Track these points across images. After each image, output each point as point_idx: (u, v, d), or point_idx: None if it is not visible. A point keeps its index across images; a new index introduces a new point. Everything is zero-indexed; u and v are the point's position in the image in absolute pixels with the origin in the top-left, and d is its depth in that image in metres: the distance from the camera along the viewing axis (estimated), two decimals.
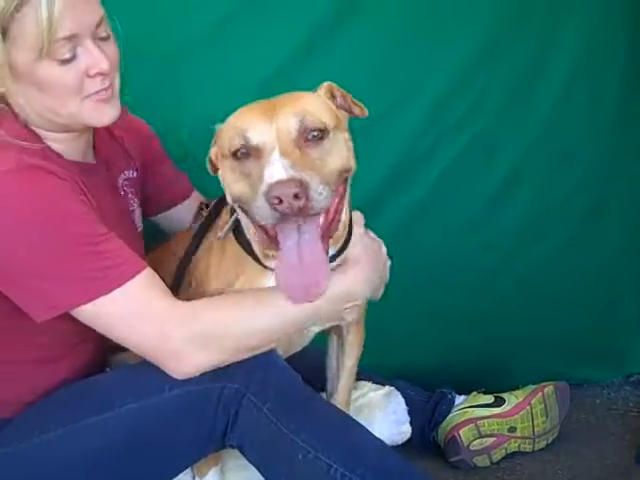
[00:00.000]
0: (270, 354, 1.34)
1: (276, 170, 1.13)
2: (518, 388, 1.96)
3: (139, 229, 1.57)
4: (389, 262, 1.46)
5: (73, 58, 1.25)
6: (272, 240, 1.23)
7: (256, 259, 1.36)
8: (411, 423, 1.89)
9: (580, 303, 2.15)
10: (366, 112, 1.33)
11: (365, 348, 1.61)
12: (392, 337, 1.67)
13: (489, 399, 1.92)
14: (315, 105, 1.26)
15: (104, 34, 1.29)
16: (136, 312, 1.26)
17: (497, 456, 1.89)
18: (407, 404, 1.90)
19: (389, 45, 1.87)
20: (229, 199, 1.29)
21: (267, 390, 1.29)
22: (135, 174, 1.57)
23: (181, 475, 1.41)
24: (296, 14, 1.82)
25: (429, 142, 1.96)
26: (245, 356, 1.30)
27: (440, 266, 1.85)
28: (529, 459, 1.92)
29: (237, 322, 1.29)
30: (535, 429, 1.90)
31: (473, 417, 1.88)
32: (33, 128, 1.32)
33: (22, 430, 1.34)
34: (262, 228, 1.24)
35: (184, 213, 1.68)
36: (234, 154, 1.22)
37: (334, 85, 1.33)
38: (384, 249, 1.45)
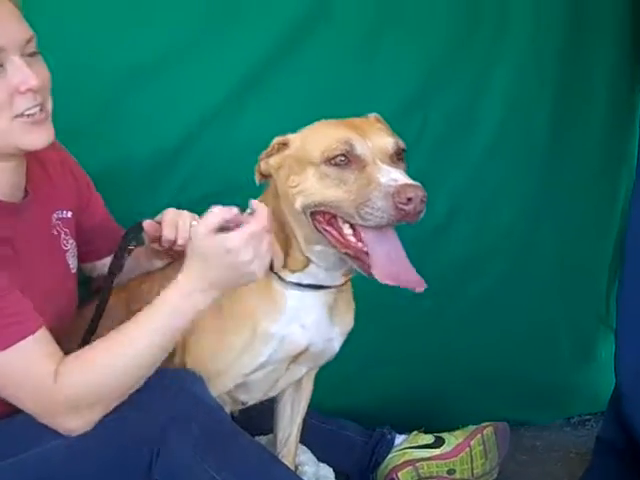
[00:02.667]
0: (197, 389, 1.32)
1: (397, 175, 1.20)
2: (459, 428, 1.95)
3: (73, 270, 1.50)
4: (246, 254, 1.21)
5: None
6: (347, 244, 1.25)
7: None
8: (351, 463, 1.89)
9: (517, 343, 2.18)
10: None
11: None
12: (333, 376, 1.66)
13: (429, 439, 1.91)
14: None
15: (32, 49, 1.27)
16: (23, 374, 1.21)
17: None
18: (347, 444, 1.90)
19: (327, 85, 1.89)
20: (304, 204, 1.27)
21: (192, 427, 1.27)
22: (69, 214, 1.51)
23: None
24: (237, 50, 1.83)
25: None
26: (131, 392, 1.26)
27: (379, 306, 1.85)
28: None
29: (111, 375, 1.24)
30: (474, 471, 1.89)
31: (412, 459, 1.87)
32: None
33: None
34: (336, 230, 1.26)
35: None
36: (329, 161, 1.25)
37: (379, 117, 1.41)
38: (235, 241, 1.20)
